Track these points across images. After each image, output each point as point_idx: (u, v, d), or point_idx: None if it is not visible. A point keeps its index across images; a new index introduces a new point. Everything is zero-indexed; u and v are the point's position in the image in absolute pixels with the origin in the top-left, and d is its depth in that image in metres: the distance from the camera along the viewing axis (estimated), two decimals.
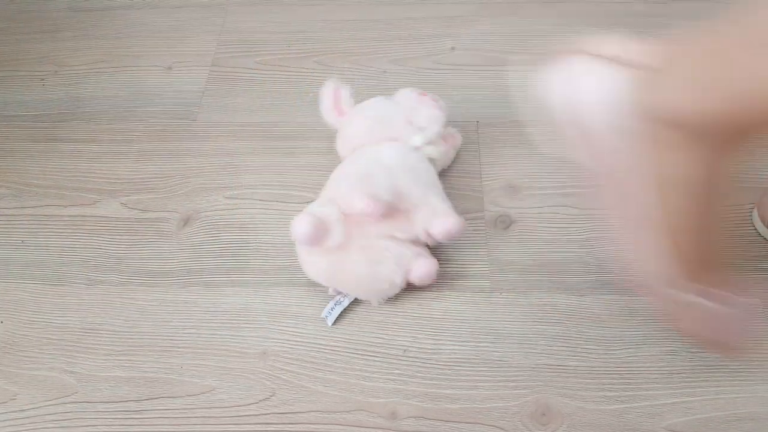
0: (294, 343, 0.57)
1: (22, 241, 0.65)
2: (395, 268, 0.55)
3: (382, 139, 0.60)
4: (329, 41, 0.81)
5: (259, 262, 0.62)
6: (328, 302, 0.57)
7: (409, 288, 0.59)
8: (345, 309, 0.58)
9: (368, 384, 0.54)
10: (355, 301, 0.58)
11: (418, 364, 0.55)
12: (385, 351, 0.56)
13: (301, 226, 0.53)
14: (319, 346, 0.56)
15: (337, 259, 0.55)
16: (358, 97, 0.65)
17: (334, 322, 0.57)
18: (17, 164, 0.72)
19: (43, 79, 0.80)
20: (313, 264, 0.56)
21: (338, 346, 0.56)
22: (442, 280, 0.59)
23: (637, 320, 0.56)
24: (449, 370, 0.55)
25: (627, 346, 0.55)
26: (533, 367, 0.54)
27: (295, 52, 0.80)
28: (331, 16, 0.84)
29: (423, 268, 0.56)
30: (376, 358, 0.55)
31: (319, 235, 0.53)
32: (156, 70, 0.80)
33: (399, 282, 0.56)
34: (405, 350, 0.56)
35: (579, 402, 0.52)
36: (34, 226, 0.66)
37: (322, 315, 0.57)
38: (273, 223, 0.64)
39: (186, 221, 0.65)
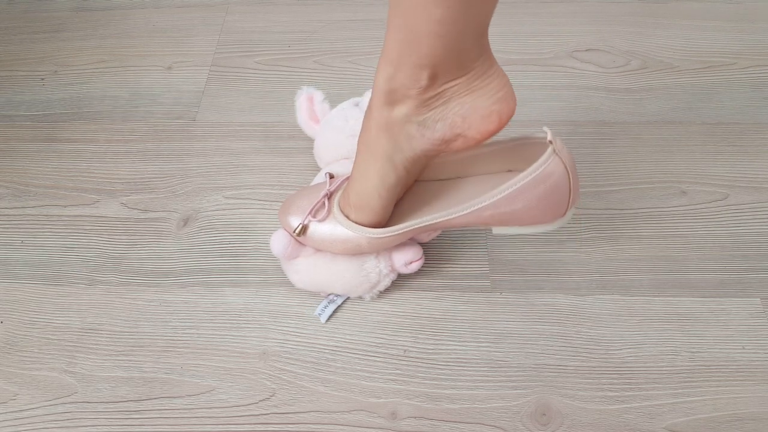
0: (294, 343, 0.57)
1: (22, 241, 0.65)
2: (376, 258, 0.55)
3: (351, 152, 0.60)
4: (329, 41, 0.81)
5: (259, 262, 0.62)
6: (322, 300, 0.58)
7: (409, 288, 0.59)
8: (345, 309, 0.58)
9: (368, 384, 0.54)
10: (356, 301, 0.58)
11: (419, 364, 0.55)
12: (386, 351, 0.56)
13: (274, 242, 0.54)
14: (319, 346, 0.56)
15: (315, 264, 0.55)
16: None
17: (328, 320, 0.57)
18: (17, 164, 0.72)
19: (43, 79, 0.80)
20: (296, 273, 0.57)
21: (338, 346, 0.56)
22: (442, 280, 0.59)
23: (637, 320, 0.56)
24: (449, 370, 0.55)
25: (627, 346, 0.55)
26: (533, 367, 0.54)
27: (294, 52, 0.80)
28: (331, 16, 0.84)
29: (404, 253, 0.55)
30: (377, 358, 0.56)
31: (295, 247, 0.55)
32: (156, 70, 0.80)
33: (385, 270, 0.56)
34: (405, 350, 0.56)
35: (579, 402, 0.52)
36: (34, 226, 0.66)
37: (315, 312, 0.57)
38: (273, 223, 0.64)
39: (186, 221, 0.65)
